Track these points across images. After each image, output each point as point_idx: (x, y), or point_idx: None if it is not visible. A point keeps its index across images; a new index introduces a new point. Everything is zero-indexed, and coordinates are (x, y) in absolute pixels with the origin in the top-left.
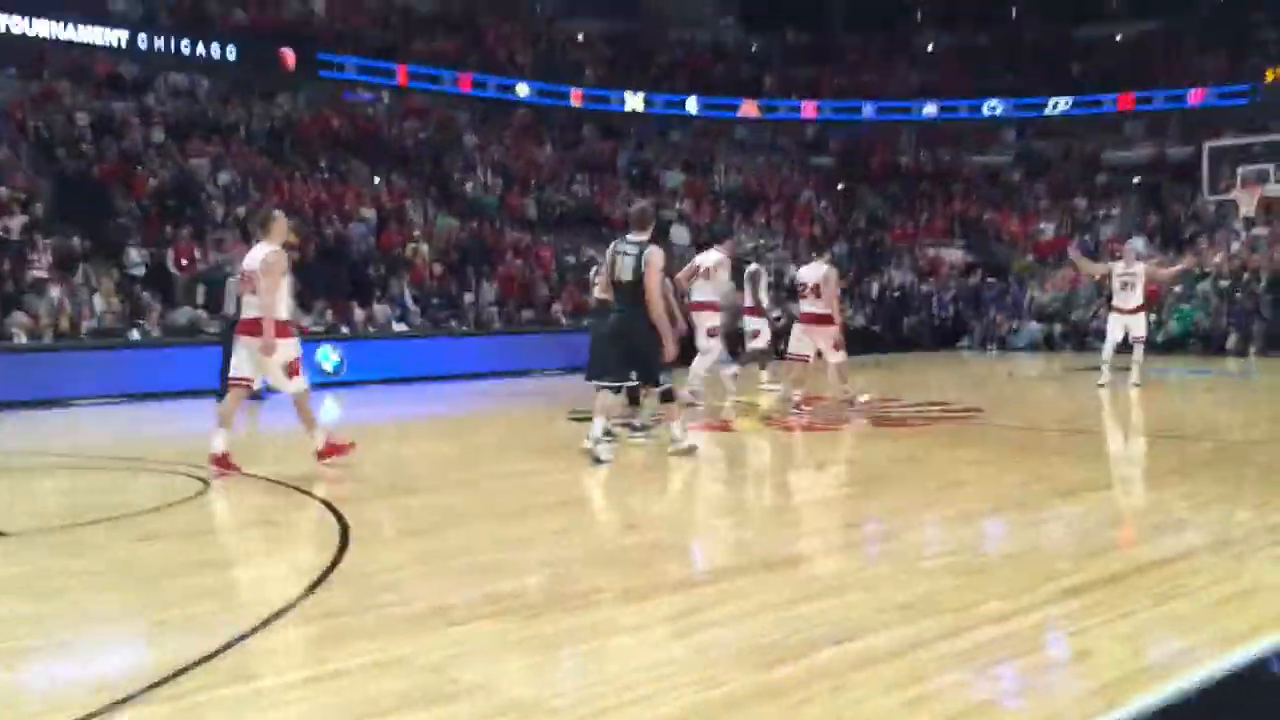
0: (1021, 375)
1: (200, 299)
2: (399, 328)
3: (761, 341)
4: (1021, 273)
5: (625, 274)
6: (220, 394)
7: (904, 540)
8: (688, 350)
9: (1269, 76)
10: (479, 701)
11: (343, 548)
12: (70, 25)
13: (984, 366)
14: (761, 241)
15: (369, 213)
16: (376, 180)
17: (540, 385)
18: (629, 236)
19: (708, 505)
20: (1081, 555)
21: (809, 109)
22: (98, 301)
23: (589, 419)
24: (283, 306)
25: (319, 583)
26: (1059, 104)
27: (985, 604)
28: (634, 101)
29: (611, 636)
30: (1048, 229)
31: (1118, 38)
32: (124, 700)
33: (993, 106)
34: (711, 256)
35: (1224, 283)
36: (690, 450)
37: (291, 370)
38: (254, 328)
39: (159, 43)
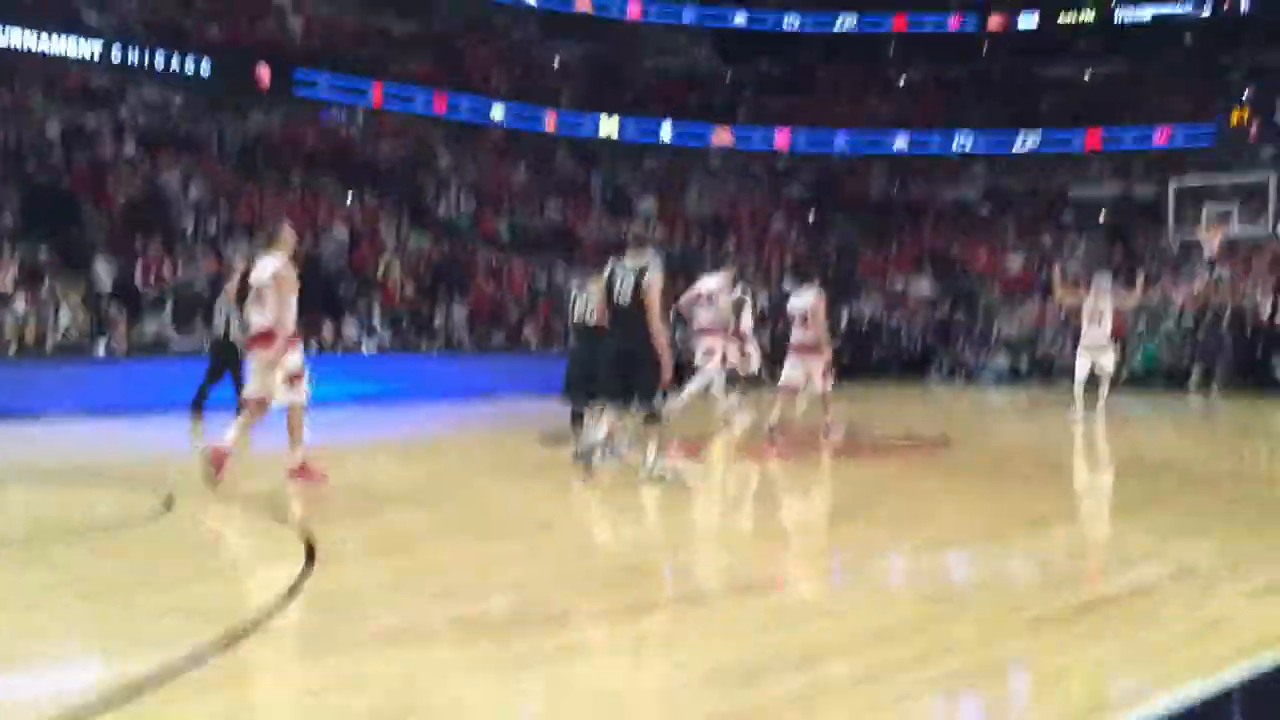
0: (989, 407)
1: (168, 315)
2: (368, 347)
3: (753, 365)
4: (989, 308)
5: (624, 297)
6: (196, 405)
7: (873, 568)
8: (680, 374)
9: (1234, 118)
10: None
11: (309, 566)
12: (43, 36)
13: (952, 397)
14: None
15: (341, 231)
16: (349, 198)
17: (510, 408)
18: (626, 259)
19: (678, 530)
20: (1049, 585)
21: (782, 138)
22: (64, 315)
23: (561, 442)
24: (291, 318)
25: (285, 601)
26: (1028, 140)
27: (954, 633)
28: (609, 126)
29: (580, 658)
30: (1015, 262)
31: (1086, 77)
32: (84, 718)
33: (962, 143)
34: (713, 282)
35: (1187, 322)
36: (663, 478)
37: (294, 379)
38: (265, 340)
39: (133, 55)
